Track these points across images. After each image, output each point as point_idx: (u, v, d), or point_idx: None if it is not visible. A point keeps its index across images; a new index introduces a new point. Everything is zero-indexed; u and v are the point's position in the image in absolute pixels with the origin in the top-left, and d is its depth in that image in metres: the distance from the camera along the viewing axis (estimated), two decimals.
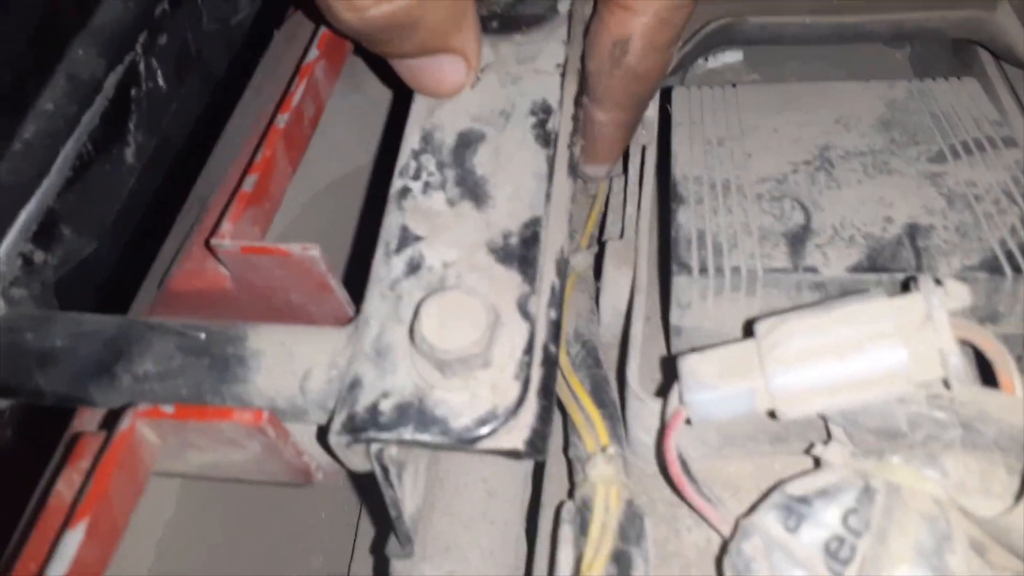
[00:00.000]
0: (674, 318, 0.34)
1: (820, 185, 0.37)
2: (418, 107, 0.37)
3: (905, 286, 0.30)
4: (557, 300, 0.32)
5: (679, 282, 0.33)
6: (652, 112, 0.43)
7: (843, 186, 0.37)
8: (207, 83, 0.47)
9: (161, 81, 0.43)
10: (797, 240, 0.34)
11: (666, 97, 0.45)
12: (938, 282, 0.26)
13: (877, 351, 0.25)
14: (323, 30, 0.39)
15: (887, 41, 0.44)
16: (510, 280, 0.31)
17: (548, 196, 0.34)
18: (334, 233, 0.53)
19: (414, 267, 0.32)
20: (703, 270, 0.33)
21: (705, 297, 0.33)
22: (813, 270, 0.33)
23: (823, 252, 0.33)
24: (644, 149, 0.44)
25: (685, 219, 0.36)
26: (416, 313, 0.29)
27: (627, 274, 0.39)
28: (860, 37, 0.43)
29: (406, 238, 0.33)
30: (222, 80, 0.48)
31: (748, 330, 0.28)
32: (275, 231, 0.46)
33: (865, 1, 0.44)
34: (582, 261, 0.43)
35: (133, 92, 0.41)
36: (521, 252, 0.32)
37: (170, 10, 0.43)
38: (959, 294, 0.25)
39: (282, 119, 0.36)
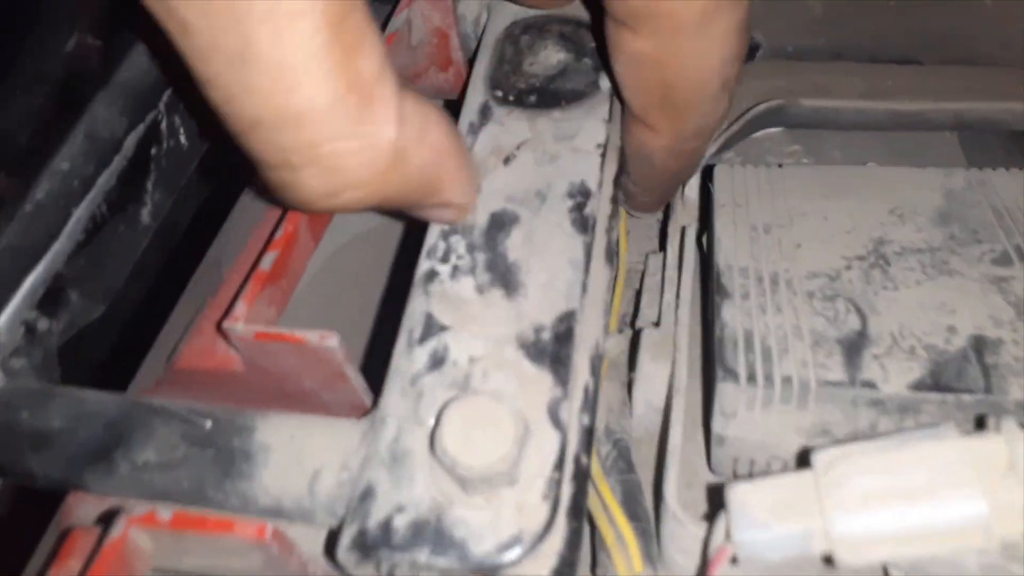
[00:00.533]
0: (717, 426, 0.31)
1: (876, 285, 0.34)
2: None
3: (980, 423, 0.28)
4: (591, 404, 0.30)
5: (724, 389, 0.31)
6: (692, 192, 0.41)
7: (900, 287, 0.34)
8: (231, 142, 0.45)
9: (184, 139, 0.41)
10: (853, 348, 0.31)
11: (707, 174, 0.43)
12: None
13: (954, 501, 0.22)
14: None
15: (946, 128, 0.41)
16: (541, 381, 0.29)
17: (584, 287, 0.32)
18: (354, 292, 0.51)
19: (438, 361, 0.30)
20: (751, 378, 0.31)
21: (752, 407, 0.31)
22: (871, 385, 0.30)
23: (881, 364, 0.31)
24: (684, 230, 0.41)
25: (731, 317, 0.34)
26: (438, 421, 0.27)
27: (664, 368, 0.36)
28: (917, 125, 0.40)
29: (431, 327, 0.31)
30: None
31: (804, 458, 0.26)
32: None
33: (919, 81, 0.42)
34: (614, 347, 0.40)
35: (153, 151, 0.40)
36: (554, 349, 0.30)
37: None
38: None
39: None
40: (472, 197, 0.34)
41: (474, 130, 0.37)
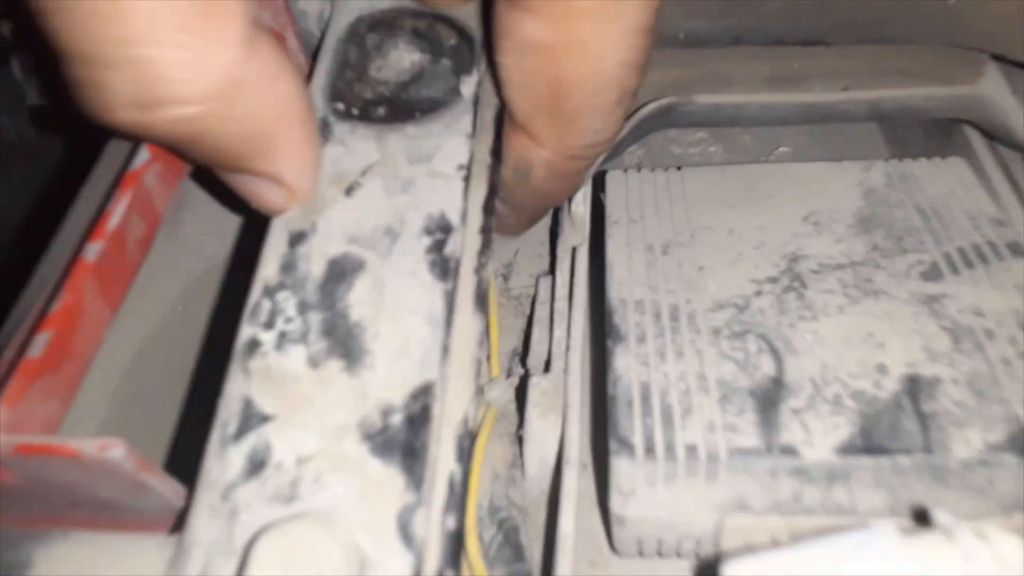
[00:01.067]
0: (615, 506, 0.26)
1: (791, 314, 0.29)
2: (279, 223, 0.29)
3: (921, 517, 0.23)
4: (458, 501, 0.24)
5: (619, 465, 0.26)
6: (582, 208, 0.36)
7: (820, 315, 0.29)
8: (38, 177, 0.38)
9: None
10: (768, 402, 0.26)
11: (598, 182, 0.37)
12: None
13: None
14: None
15: (860, 119, 0.37)
16: (390, 483, 0.23)
17: (445, 349, 0.26)
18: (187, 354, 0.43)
19: (257, 464, 0.24)
20: (650, 450, 0.25)
21: (653, 484, 0.25)
22: (792, 452, 0.25)
23: (802, 422, 0.26)
24: (574, 251, 0.36)
25: (624, 367, 0.28)
26: (245, 561, 0.21)
27: (556, 423, 0.31)
28: (831, 118, 0.35)
29: (249, 418, 0.25)
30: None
31: (709, 569, 0.20)
32: (120, 357, 0.36)
33: (829, 64, 0.37)
34: (500, 395, 0.34)
35: None
36: (406, 438, 0.24)
37: None
38: (1013, 558, 0.17)
39: (93, 249, 0.27)
40: (307, 186, 0.28)
41: None
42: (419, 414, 0.24)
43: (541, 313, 0.36)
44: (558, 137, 0.29)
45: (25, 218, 0.38)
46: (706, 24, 0.35)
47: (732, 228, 0.33)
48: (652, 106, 0.34)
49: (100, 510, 0.26)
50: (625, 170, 0.37)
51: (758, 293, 0.30)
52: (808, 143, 0.46)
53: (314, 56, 0.34)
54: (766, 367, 0.28)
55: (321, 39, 0.35)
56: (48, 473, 0.25)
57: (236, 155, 0.26)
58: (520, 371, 0.36)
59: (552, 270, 0.36)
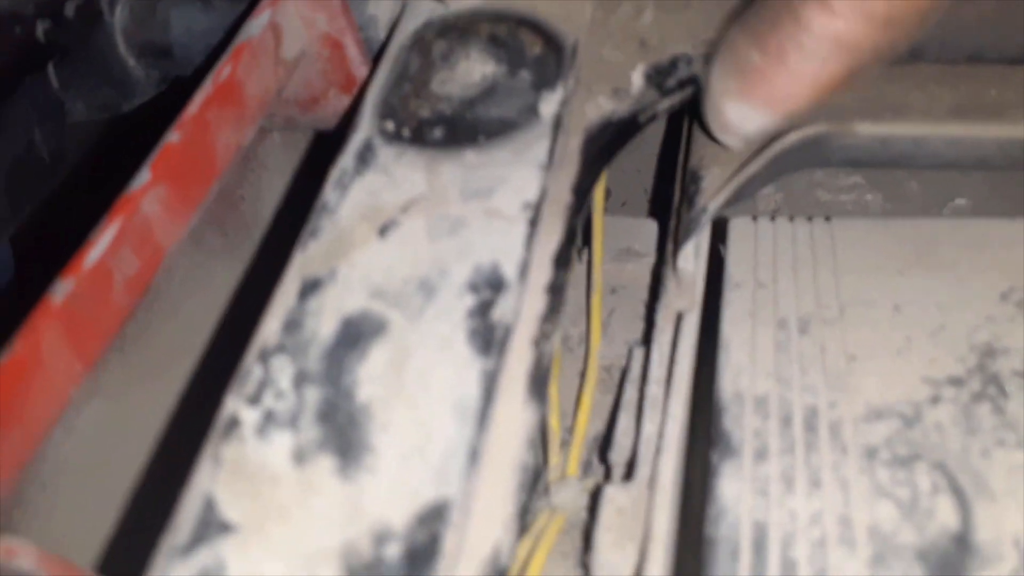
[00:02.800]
0: None
1: (985, 435, 0.20)
2: (295, 266, 0.23)
3: None
4: None
5: None
6: (692, 263, 0.28)
7: None
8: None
9: None
10: (947, 569, 0.18)
11: (718, 231, 0.29)
12: None
13: None
14: (166, 138, 0.25)
15: None
16: None
17: (474, 454, 0.19)
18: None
19: None
20: None
21: None
22: None
23: None
24: (679, 318, 0.28)
25: (733, 496, 0.20)
26: None
27: (631, 556, 0.23)
28: None
29: (208, 525, 0.18)
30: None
31: None
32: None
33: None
34: (570, 501, 0.27)
35: None
36: None
37: None
38: None
39: (61, 289, 0.22)
40: None
41: (343, 184, 0.24)
42: (425, 547, 0.17)
43: (630, 395, 0.28)
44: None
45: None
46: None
47: (899, 303, 0.25)
48: (795, 136, 0.26)
49: None
50: (755, 217, 0.29)
51: (935, 400, 0.22)
52: (988, 194, 0.36)
53: (372, 67, 0.29)
54: (945, 516, 0.19)
55: (383, 46, 0.29)
56: None
57: None
58: (599, 469, 0.29)
59: (647, 340, 0.29)
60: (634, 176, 0.48)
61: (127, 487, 0.32)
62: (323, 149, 0.36)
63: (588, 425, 0.29)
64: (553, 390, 0.28)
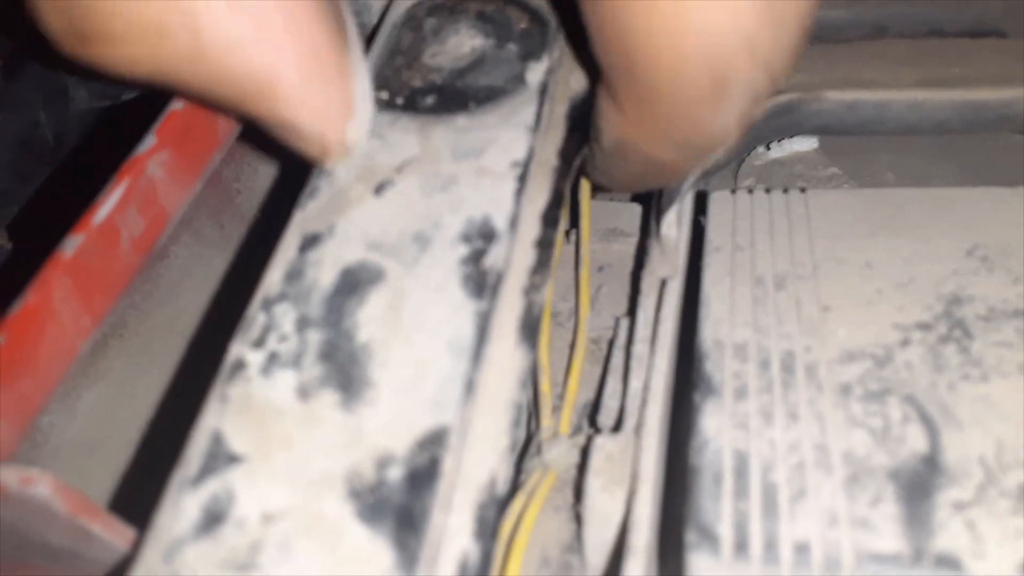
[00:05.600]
0: None
1: (951, 372, 0.22)
2: (295, 224, 0.24)
3: None
4: None
5: (697, 564, 0.18)
6: (675, 230, 0.29)
7: (992, 375, 0.21)
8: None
9: None
10: (917, 489, 0.19)
11: (701, 205, 0.31)
12: None
13: None
14: (171, 106, 0.26)
15: None
16: (374, 559, 0.17)
17: (470, 385, 0.20)
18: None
19: (214, 517, 0.18)
20: (741, 546, 0.18)
21: None
22: (952, 564, 0.17)
23: (968, 521, 0.18)
24: (663, 285, 0.29)
25: (714, 429, 0.21)
26: None
27: (621, 498, 0.24)
28: (1002, 123, 0.28)
29: (216, 457, 0.19)
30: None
31: None
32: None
33: (1003, 63, 0.29)
34: (560, 457, 0.28)
35: None
36: (403, 501, 0.18)
37: None
38: None
39: (71, 244, 0.23)
40: (339, 129, 0.24)
41: None
42: (425, 469, 0.18)
43: (617, 360, 0.29)
44: (641, 115, 0.23)
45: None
46: (839, 11, 0.28)
47: (870, 260, 0.26)
48: (768, 104, 0.28)
49: (43, 553, 0.21)
50: (734, 191, 0.31)
51: (904, 342, 0.23)
52: (954, 175, 0.37)
53: (367, 45, 0.30)
54: (915, 441, 0.20)
55: (376, 27, 0.30)
56: None
57: (226, 99, 0.22)
58: (589, 430, 0.30)
59: (633, 307, 0.30)
60: None
61: (125, 466, 0.33)
62: None
63: (578, 392, 0.30)
64: (544, 357, 0.29)
